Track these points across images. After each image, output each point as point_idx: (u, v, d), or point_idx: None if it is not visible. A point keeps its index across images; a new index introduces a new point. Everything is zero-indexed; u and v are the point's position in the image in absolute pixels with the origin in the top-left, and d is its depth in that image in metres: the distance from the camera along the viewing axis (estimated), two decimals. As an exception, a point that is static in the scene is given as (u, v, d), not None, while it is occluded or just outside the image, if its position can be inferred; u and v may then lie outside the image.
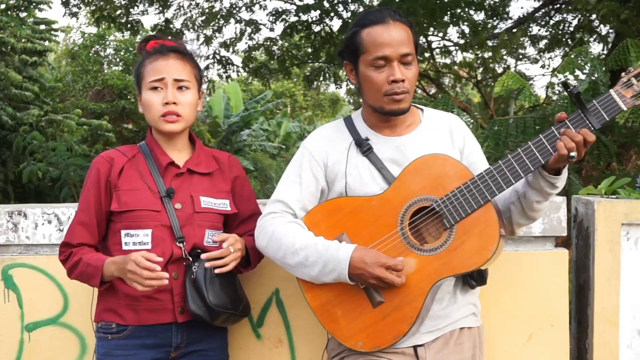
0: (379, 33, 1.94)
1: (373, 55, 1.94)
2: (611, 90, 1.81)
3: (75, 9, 9.18)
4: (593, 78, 3.65)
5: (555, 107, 3.85)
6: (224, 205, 2.18)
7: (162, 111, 2.11)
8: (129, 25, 9.26)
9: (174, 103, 2.10)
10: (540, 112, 4.14)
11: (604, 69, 3.76)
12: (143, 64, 2.16)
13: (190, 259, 2.06)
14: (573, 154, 1.77)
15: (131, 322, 2.08)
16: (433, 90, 11.13)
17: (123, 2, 9.01)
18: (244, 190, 2.26)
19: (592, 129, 1.80)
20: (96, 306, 2.17)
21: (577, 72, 3.72)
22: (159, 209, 2.09)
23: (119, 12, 9.10)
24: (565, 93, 3.75)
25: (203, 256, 2.02)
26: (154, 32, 9.28)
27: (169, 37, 2.18)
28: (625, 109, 1.80)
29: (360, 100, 2.13)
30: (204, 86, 2.25)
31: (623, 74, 1.84)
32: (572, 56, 3.85)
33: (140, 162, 2.16)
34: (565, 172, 1.89)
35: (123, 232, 2.09)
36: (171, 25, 9.33)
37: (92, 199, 2.11)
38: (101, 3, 8.94)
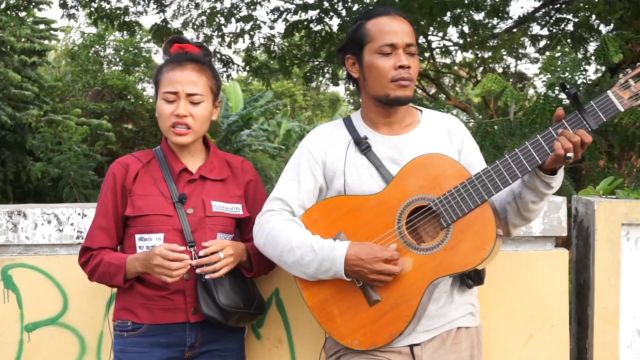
0: (386, 22, 1.98)
1: (380, 42, 1.97)
2: (609, 92, 1.82)
3: (73, 11, 9.18)
4: (563, 74, 3.67)
5: (537, 107, 3.85)
6: (236, 209, 2.20)
7: (172, 122, 2.13)
8: (126, 26, 9.25)
9: (185, 116, 2.12)
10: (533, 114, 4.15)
11: (599, 67, 3.77)
12: (161, 71, 2.19)
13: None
14: (570, 154, 1.77)
15: (146, 321, 2.12)
16: (433, 90, 11.14)
17: (119, 5, 9.01)
18: (257, 194, 2.28)
19: (590, 129, 1.80)
20: (114, 305, 2.22)
21: (559, 73, 3.74)
22: (171, 213, 2.12)
23: (117, 13, 9.09)
24: (552, 94, 3.78)
25: (193, 263, 2.03)
26: (154, 33, 9.29)
27: (191, 39, 2.18)
28: (622, 110, 1.80)
29: (360, 100, 2.14)
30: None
31: (621, 75, 1.84)
32: (553, 57, 3.87)
33: (154, 168, 2.20)
34: (561, 173, 1.89)
35: (137, 236, 2.13)
36: (169, 26, 9.32)
37: (110, 203, 2.16)
38: (101, 3, 8.93)
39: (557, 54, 3.85)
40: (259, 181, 2.31)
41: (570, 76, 3.65)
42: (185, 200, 2.14)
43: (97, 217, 2.18)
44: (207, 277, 2.04)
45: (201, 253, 2.03)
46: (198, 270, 2.03)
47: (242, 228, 2.27)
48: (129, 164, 2.19)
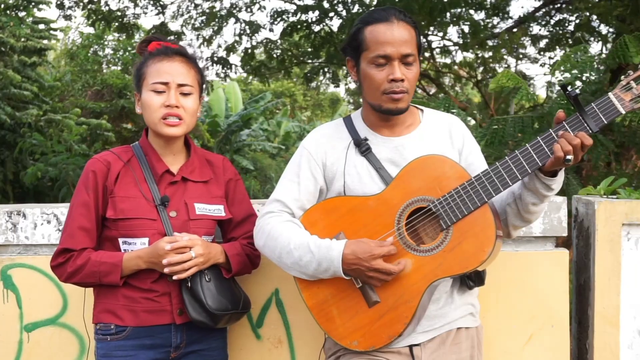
0: (382, 31, 1.94)
1: (374, 53, 1.94)
2: (610, 94, 1.80)
3: (70, 12, 9.18)
4: (586, 76, 3.65)
5: (553, 105, 3.83)
6: (218, 210, 2.18)
7: (163, 113, 2.08)
8: (124, 28, 9.24)
9: (176, 107, 2.08)
10: (539, 112, 4.12)
11: (601, 67, 3.75)
12: (146, 63, 2.12)
13: None
14: (569, 157, 1.76)
15: (130, 323, 2.08)
16: (433, 90, 11.13)
17: (118, 6, 9.01)
18: (237, 193, 2.25)
19: (590, 132, 1.79)
20: (93, 308, 2.16)
21: (575, 71, 3.71)
22: (154, 217, 2.08)
23: (114, 15, 9.07)
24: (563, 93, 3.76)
25: (164, 262, 2.00)
26: (153, 33, 9.29)
27: (170, 39, 2.15)
28: (623, 112, 1.79)
29: (360, 100, 2.13)
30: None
31: (622, 77, 1.83)
32: (571, 55, 3.84)
33: (135, 167, 2.14)
34: (561, 175, 1.88)
35: (121, 240, 2.09)
36: (168, 28, 9.31)
37: (92, 203, 2.09)
38: (99, 5, 8.92)
39: (576, 52, 3.79)
40: (239, 180, 2.28)
41: (587, 76, 3.62)
42: (168, 202, 2.10)
43: (77, 216, 2.08)
44: (175, 277, 2.01)
45: (168, 247, 1.99)
46: (166, 270, 2.00)
47: (223, 228, 2.24)
48: (110, 162, 2.12)
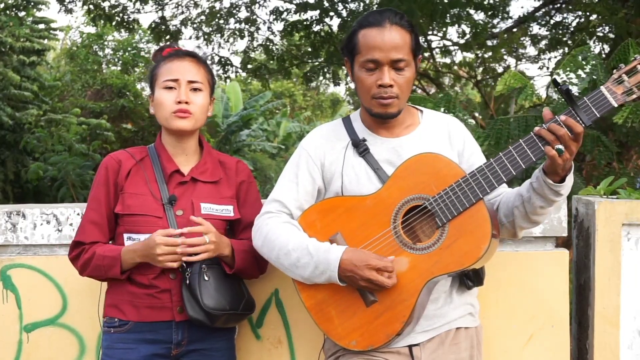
0: (373, 36, 1.94)
1: (365, 57, 1.95)
2: (602, 87, 1.81)
3: (70, 6, 9.18)
4: (594, 77, 3.63)
5: (557, 105, 3.82)
6: (226, 211, 2.20)
7: (174, 109, 2.13)
8: (125, 24, 9.23)
9: (186, 102, 2.13)
10: (541, 111, 4.09)
11: (604, 67, 3.73)
12: (158, 65, 2.20)
13: (185, 265, 2.08)
14: (559, 146, 1.76)
15: (132, 318, 2.13)
16: (433, 90, 11.13)
17: (117, 2, 8.99)
18: (249, 195, 2.27)
19: (583, 125, 1.80)
20: (104, 301, 2.22)
21: (580, 72, 3.69)
22: (160, 215, 2.13)
23: (114, 10, 9.07)
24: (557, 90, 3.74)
25: (179, 241, 2.02)
26: (152, 30, 9.30)
27: (171, 41, 2.25)
28: (615, 105, 1.80)
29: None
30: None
31: (615, 70, 1.84)
32: (574, 55, 3.82)
33: (147, 166, 2.20)
34: (570, 180, 1.87)
35: (125, 235, 2.14)
36: (168, 23, 9.31)
37: (103, 197, 2.16)
38: (99, 1, 8.91)
39: (581, 52, 3.78)
40: (252, 182, 2.31)
41: (595, 76, 3.61)
42: (175, 201, 2.14)
43: (88, 211, 2.17)
44: (184, 259, 2.04)
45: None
46: (179, 250, 2.02)
47: (234, 229, 2.26)
48: (121, 160, 2.19)
